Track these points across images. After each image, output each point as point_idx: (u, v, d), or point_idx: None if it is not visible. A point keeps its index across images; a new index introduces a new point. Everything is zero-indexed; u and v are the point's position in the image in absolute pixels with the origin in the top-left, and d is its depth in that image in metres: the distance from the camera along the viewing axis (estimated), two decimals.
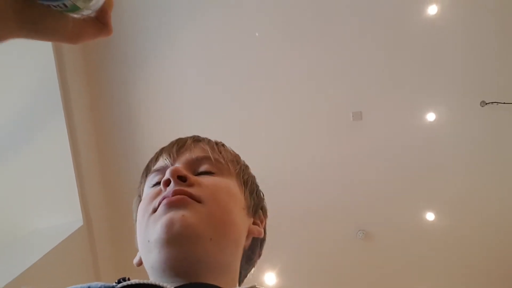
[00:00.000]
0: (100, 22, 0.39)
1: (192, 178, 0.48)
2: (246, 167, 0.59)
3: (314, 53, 2.68)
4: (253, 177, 0.59)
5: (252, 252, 0.55)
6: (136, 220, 0.51)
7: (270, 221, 0.60)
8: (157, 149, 0.58)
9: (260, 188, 0.60)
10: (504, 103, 2.68)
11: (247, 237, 0.52)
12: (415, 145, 2.83)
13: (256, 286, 0.42)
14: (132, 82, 2.59)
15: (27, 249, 1.87)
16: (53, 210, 2.15)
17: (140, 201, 0.52)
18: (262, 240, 0.57)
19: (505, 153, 2.84)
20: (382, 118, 2.79)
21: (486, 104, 2.71)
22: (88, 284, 0.40)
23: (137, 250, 0.55)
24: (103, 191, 2.59)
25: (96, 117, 2.57)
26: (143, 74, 2.59)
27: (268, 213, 0.60)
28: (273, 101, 2.75)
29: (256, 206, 0.56)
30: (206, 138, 0.58)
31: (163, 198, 0.45)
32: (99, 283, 0.40)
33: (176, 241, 0.42)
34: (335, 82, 2.74)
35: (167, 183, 0.46)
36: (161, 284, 0.38)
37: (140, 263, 0.50)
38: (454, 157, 2.86)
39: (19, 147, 2.04)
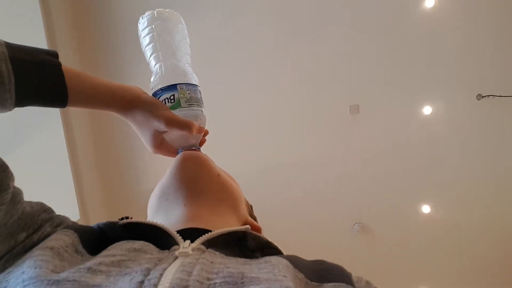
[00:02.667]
0: (184, 122, 0.52)
1: None
2: None
3: (309, 47, 2.67)
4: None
5: None
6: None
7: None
8: None
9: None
10: (500, 96, 2.69)
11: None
12: (411, 138, 2.84)
13: (249, 230, 0.40)
14: (128, 82, 2.57)
15: None
16: (50, 205, 2.15)
17: None
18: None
19: (501, 146, 2.85)
20: (378, 112, 2.79)
21: (483, 97, 2.72)
22: (97, 224, 0.43)
23: None
24: (100, 185, 2.58)
25: (92, 113, 2.55)
26: (141, 73, 2.57)
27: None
28: (268, 94, 2.74)
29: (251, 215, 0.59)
30: None
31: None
32: (105, 221, 0.43)
33: (193, 160, 0.49)
34: (332, 76, 2.73)
35: None
36: (160, 225, 0.39)
37: None
38: (450, 150, 2.87)
39: (16, 144, 2.02)
